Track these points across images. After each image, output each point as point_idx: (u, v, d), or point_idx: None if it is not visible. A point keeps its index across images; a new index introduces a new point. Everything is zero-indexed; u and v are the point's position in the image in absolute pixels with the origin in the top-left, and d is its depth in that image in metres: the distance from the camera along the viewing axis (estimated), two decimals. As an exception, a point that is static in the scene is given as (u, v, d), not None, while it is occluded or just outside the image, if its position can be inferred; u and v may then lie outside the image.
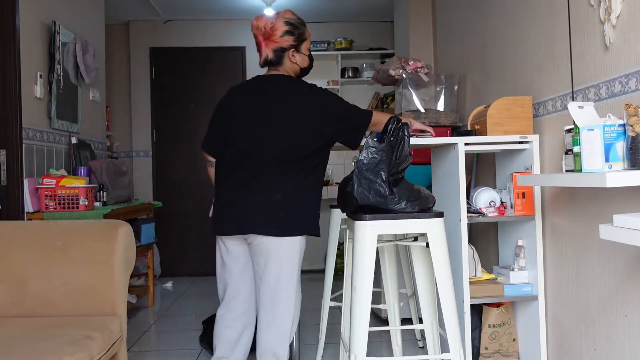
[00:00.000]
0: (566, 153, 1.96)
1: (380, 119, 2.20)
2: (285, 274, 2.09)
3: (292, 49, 2.20)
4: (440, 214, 1.96)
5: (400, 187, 1.95)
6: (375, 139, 1.97)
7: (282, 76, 2.21)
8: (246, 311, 2.21)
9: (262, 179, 2.07)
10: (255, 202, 2.07)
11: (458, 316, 2.13)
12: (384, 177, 1.92)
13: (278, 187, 2.06)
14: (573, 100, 2.21)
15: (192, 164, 5.67)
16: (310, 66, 2.30)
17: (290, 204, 2.07)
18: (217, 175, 2.21)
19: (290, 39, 2.19)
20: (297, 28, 2.21)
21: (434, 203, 2.06)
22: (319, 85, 2.22)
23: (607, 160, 1.67)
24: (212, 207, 2.25)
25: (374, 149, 1.94)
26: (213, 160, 2.26)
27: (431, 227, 1.94)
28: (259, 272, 2.11)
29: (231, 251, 2.19)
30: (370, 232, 1.91)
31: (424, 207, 1.96)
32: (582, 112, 1.82)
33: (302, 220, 2.11)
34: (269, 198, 2.05)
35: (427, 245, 1.97)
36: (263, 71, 2.30)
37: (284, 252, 2.08)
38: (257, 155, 2.08)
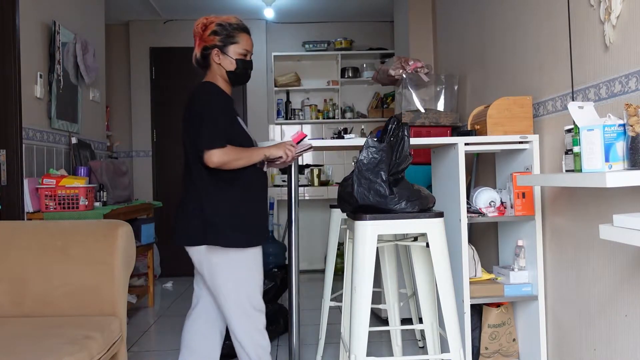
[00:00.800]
0: (566, 153, 1.96)
1: None
2: None
3: (217, 49, 2.17)
4: (440, 214, 1.96)
5: (400, 187, 1.96)
6: (376, 139, 1.97)
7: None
8: None
9: None
10: None
11: (458, 316, 2.13)
12: (384, 177, 1.92)
13: None
14: (573, 100, 2.21)
15: (192, 164, 5.66)
16: (241, 72, 2.19)
17: None
18: (254, 176, 2.16)
19: (216, 38, 2.19)
20: (225, 29, 2.23)
21: (434, 203, 2.06)
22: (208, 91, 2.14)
23: (607, 160, 1.67)
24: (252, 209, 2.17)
25: (374, 149, 1.94)
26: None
27: (431, 227, 1.94)
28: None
29: None
30: (370, 232, 1.91)
31: (424, 207, 1.96)
32: (582, 112, 1.82)
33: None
34: None
35: (427, 245, 1.97)
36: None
37: None
38: None
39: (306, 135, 2.23)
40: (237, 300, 2.08)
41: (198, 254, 2.11)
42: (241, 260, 2.08)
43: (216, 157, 1.98)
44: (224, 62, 2.18)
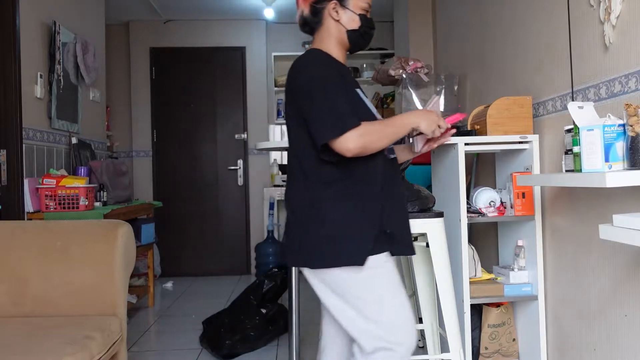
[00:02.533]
0: (566, 153, 1.96)
1: None
2: None
3: (334, 2, 1.68)
4: (440, 214, 1.97)
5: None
6: None
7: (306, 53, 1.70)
8: None
9: None
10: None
11: (458, 316, 2.13)
12: (383, 177, 1.92)
13: None
14: (573, 100, 2.21)
15: (192, 164, 5.68)
16: (365, 32, 1.72)
17: None
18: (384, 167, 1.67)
19: None
20: None
21: (434, 203, 2.06)
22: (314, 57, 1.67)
23: (606, 160, 1.67)
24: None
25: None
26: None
27: (431, 227, 1.94)
28: None
29: None
30: (370, 232, 1.90)
31: (424, 207, 1.97)
32: (582, 112, 1.82)
33: None
34: None
35: (427, 245, 1.97)
36: None
37: None
38: None
39: (462, 118, 1.73)
40: None
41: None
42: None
43: (352, 142, 1.51)
44: (344, 18, 1.69)
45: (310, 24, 1.73)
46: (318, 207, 1.60)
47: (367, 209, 1.60)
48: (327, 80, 1.58)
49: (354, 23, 1.70)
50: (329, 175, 1.60)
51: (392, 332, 1.60)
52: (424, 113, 1.63)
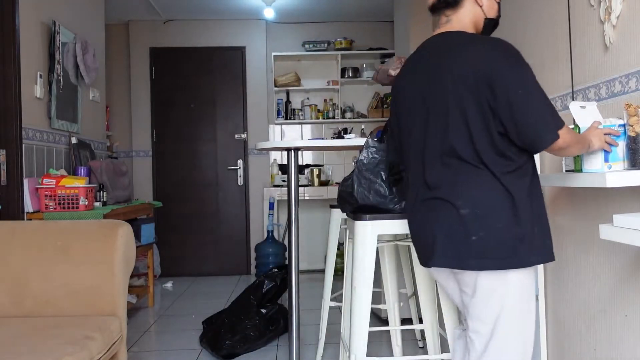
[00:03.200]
0: (566, 153, 1.96)
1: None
2: None
3: None
4: (440, 214, 1.96)
5: (401, 187, 1.96)
6: (376, 139, 1.97)
7: (457, 33, 1.59)
8: None
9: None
10: None
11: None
12: (384, 177, 1.92)
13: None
14: (573, 100, 2.21)
15: (192, 164, 5.68)
16: (497, 23, 1.69)
17: None
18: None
19: None
20: None
21: (434, 203, 2.05)
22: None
23: (606, 160, 1.67)
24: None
25: (374, 149, 1.94)
26: None
27: (431, 227, 1.94)
28: None
29: None
30: (370, 232, 1.91)
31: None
32: (584, 112, 1.81)
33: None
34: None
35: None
36: None
37: None
38: None
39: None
40: None
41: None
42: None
43: (562, 139, 1.49)
44: (486, 4, 1.63)
45: (450, 5, 1.62)
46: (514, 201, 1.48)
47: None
48: (534, 74, 1.52)
49: (492, 11, 1.64)
50: (518, 166, 1.51)
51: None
52: (594, 131, 1.60)
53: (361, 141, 2.25)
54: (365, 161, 1.93)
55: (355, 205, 1.95)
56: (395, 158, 1.84)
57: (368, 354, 1.93)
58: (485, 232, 1.48)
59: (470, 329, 1.62)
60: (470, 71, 1.48)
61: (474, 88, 1.48)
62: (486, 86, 1.47)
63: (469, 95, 1.49)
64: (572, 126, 1.90)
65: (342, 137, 4.30)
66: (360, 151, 1.95)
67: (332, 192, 5.36)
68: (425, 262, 1.61)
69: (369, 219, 1.91)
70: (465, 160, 1.51)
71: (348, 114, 5.79)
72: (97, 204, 3.52)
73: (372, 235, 1.91)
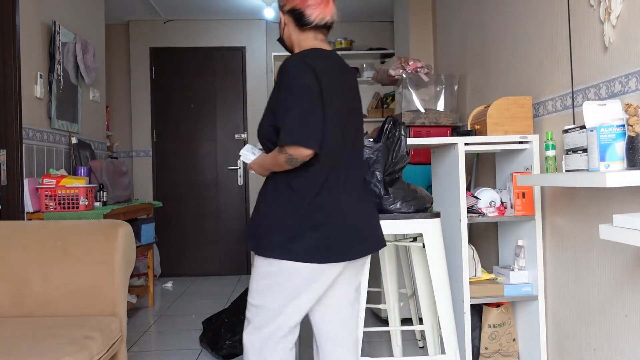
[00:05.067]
0: (566, 153, 1.96)
1: None
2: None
3: None
4: (436, 215, 1.96)
5: (396, 187, 1.95)
6: (372, 140, 1.97)
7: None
8: None
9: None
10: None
11: (457, 316, 2.13)
12: (379, 177, 1.92)
13: None
14: (573, 100, 2.21)
15: (192, 164, 5.68)
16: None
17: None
18: None
19: None
20: None
21: (432, 203, 2.05)
22: None
23: (603, 159, 1.67)
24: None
25: (369, 149, 1.94)
26: None
27: (427, 227, 1.94)
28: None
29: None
30: (369, 232, 1.90)
31: (420, 208, 1.96)
32: (600, 110, 1.78)
33: None
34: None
35: (423, 246, 1.97)
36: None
37: None
38: None
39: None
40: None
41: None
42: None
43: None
44: None
45: (329, 29, 1.80)
46: None
47: None
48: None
49: None
50: None
51: None
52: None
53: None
54: (361, 161, 1.93)
55: (354, 205, 1.94)
56: None
57: (368, 354, 1.93)
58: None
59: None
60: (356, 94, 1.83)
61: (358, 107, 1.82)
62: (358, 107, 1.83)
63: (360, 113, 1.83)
64: (571, 126, 1.90)
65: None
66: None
67: (332, 192, 5.35)
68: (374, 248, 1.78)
69: (368, 219, 1.90)
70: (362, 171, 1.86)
71: (348, 114, 5.78)
72: (97, 204, 3.52)
73: (371, 235, 1.90)
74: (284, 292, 1.66)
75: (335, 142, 1.67)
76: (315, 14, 1.73)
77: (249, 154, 1.78)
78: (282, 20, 1.80)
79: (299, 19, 1.75)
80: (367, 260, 1.91)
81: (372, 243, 1.75)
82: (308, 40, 1.77)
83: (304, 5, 1.73)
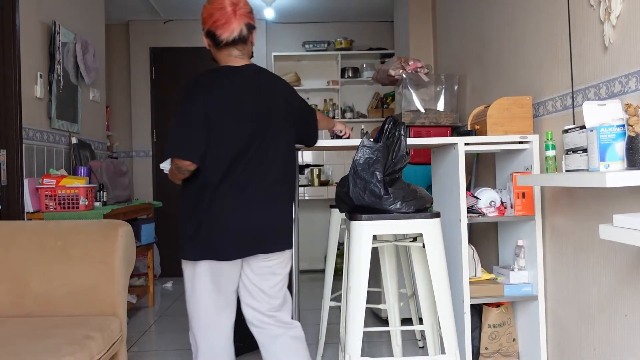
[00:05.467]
0: (566, 153, 1.96)
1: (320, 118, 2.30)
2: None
3: (254, 30, 2.00)
4: (436, 215, 1.96)
5: (396, 187, 1.95)
6: (372, 140, 1.97)
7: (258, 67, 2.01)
8: None
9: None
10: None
11: (457, 316, 2.13)
12: (379, 177, 1.91)
13: None
14: (573, 100, 2.21)
15: (192, 164, 5.67)
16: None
17: None
18: None
19: (254, 18, 2.00)
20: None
21: (431, 203, 2.05)
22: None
23: (603, 159, 1.67)
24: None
25: (370, 149, 1.93)
26: None
27: (427, 227, 1.94)
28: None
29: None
30: (365, 232, 1.90)
31: (420, 208, 1.96)
32: (600, 110, 1.79)
33: None
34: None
35: (423, 246, 1.97)
36: None
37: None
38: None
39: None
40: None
41: (285, 255, 2.03)
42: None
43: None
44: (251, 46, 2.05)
45: (242, 42, 1.96)
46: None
47: None
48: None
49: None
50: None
51: None
52: None
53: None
54: (360, 161, 1.93)
55: (351, 205, 1.95)
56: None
57: (368, 354, 1.94)
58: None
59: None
60: (292, 101, 2.07)
61: (290, 113, 2.07)
62: (295, 111, 2.09)
63: (290, 120, 2.07)
64: (571, 126, 1.90)
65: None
66: (357, 151, 1.95)
67: (332, 192, 5.36)
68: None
69: (365, 219, 1.90)
70: (282, 169, 2.05)
71: (348, 114, 5.79)
72: (97, 204, 3.52)
73: (367, 235, 1.91)
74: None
75: (227, 152, 1.85)
76: (225, 33, 1.91)
77: (167, 164, 1.99)
78: (206, 42, 2.02)
79: (213, 39, 1.95)
80: (282, 255, 2.01)
81: (252, 247, 1.91)
82: (224, 57, 1.98)
83: (214, 26, 1.93)
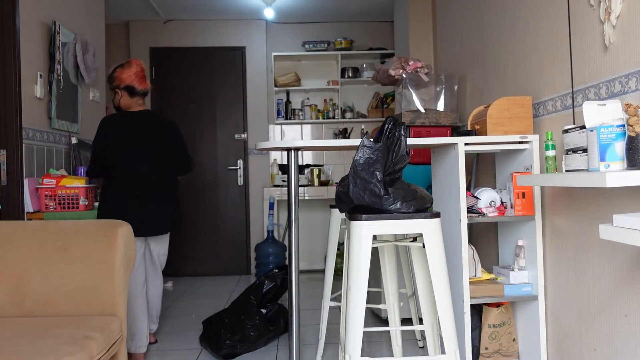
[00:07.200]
0: (566, 153, 1.96)
1: None
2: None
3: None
4: (436, 215, 1.96)
5: (396, 187, 1.95)
6: (372, 140, 1.97)
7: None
8: None
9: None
10: None
11: (457, 316, 2.13)
12: (379, 177, 1.91)
13: None
14: (573, 100, 2.21)
15: (192, 164, 5.67)
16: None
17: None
18: None
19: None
20: None
21: (431, 203, 2.05)
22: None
23: (603, 159, 1.67)
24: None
25: (370, 149, 1.93)
26: None
27: (427, 227, 1.93)
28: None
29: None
30: (365, 232, 1.90)
31: (420, 208, 1.96)
32: (600, 110, 1.79)
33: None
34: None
35: (423, 246, 1.97)
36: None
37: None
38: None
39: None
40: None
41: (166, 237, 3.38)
42: None
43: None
44: None
45: (147, 94, 3.10)
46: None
47: None
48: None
49: None
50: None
51: None
52: None
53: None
54: (360, 161, 1.93)
55: (351, 205, 1.94)
56: None
57: (368, 354, 1.93)
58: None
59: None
60: (173, 134, 3.13)
61: (168, 140, 3.09)
62: (174, 140, 3.15)
63: (173, 147, 3.13)
64: (571, 126, 1.90)
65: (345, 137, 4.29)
66: (357, 151, 1.95)
67: (332, 192, 5.36)
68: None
69: (365, 219, 1.90)
70: (163, 174, 3.16)
71: (348, 114, 5.79)
72: (97, 204, 3.51)
73: (367, 235, 1.90)
74: None
75: (125, 168, 2.88)
76: (141, 87, 3.01)
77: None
78: (118, 93, 3.01)
79: (130, 91, 2.99)
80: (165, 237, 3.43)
81: (146, 229, 3.01)
82: (133, 104, 3.03)
83: (134, 82, 2.98)
